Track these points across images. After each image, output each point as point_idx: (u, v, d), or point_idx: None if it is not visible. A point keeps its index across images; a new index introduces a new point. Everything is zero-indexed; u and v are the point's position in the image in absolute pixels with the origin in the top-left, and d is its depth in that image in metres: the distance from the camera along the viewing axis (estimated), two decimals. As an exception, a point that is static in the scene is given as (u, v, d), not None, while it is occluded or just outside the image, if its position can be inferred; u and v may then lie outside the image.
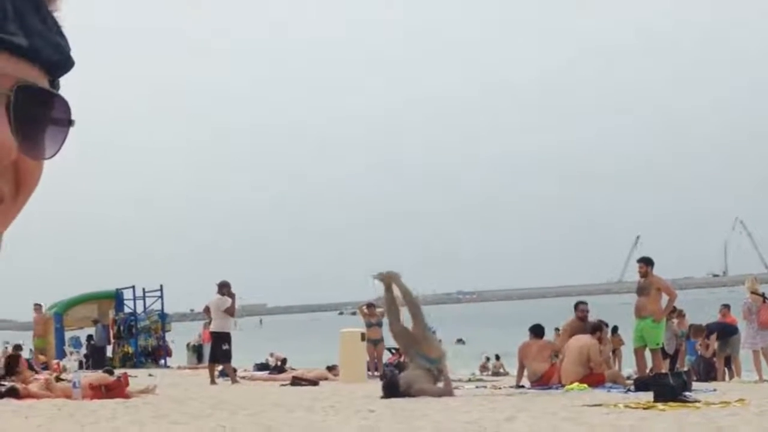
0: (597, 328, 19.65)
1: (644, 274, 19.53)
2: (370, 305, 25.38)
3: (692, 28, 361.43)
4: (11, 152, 0.94)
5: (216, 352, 22.35)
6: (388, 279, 17.60)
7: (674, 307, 22.85)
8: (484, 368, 33.14)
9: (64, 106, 1.00)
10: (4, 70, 0.94)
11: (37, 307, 31.36)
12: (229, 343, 22.14)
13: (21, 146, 0.95)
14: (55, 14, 1.00)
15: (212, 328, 22.72)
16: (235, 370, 23.38)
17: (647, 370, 19.54)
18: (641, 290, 19.63)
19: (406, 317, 17.59)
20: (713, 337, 24.13)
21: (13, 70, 0.95)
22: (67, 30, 1.02)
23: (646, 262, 19.73)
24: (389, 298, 17.71)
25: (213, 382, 21.93)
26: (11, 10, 0.94)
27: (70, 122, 1.01)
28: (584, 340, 18.84)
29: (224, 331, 22.12)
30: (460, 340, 55.63)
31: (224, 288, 22.24)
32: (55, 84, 1.02)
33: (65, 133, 1.01)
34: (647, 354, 19.97)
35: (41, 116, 0.98)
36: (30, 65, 0.96)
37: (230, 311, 22.15)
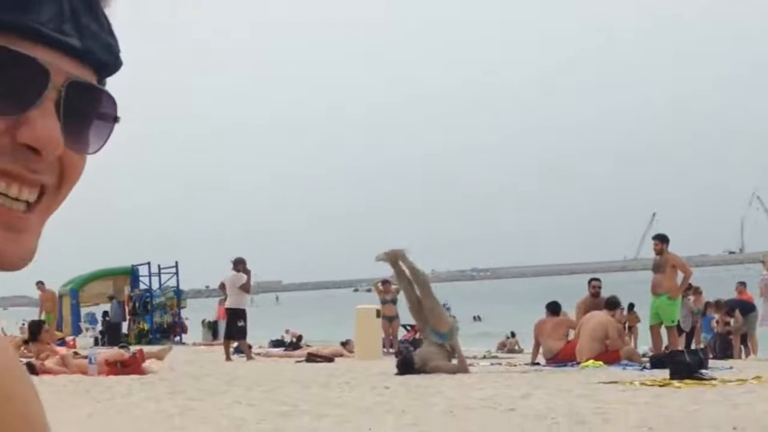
0: (614, 305, 19.60)
1: (659, 252, 19.46)
2: (386, 282, 25.35)
3: (696, 9, 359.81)
4: (59, 147, 0.95)
5: (231, 328, 22.36)
6: (394, 257, 17.57)
7: (690, 285, 22.77)
8: (502, 346, 33.11)
9: (111, 102, 1.01)
10: (59, 66, 0.95)
11: (41, 284, 31.46)
12: (245, 320, 22.14)
13: (67, 140, 0.96)
14: (107, 11, 1.01)
15: (227, 304, 22.73)
16: (250, 347, 23.40)
17: (663, 348, 19.50)
18: (657, 267, 19.57)
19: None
20: (737, 313, 23.99)
21: (66, 67, 0.96)
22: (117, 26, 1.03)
23: (662, 240, 19.65)
24: (398, 274, 17.73)
25: (228, 358, 21.96)
26: (68, 10, 0.95)
27: (115, 119, 1.02)
28: (600, 316, 18.79)
29: (239, 308, 22.12)
30: (477, 317, 55.64)
31: (239, 264, 22.23)
32: (102, 81, 1.03)
33: (110, 129, 1.02)
34: (663, 331, 19.92)
35: (89, 112, 0.99)
36: (81, 64, 0.98)
37: (245, 288, 22.15)
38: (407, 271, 17.55)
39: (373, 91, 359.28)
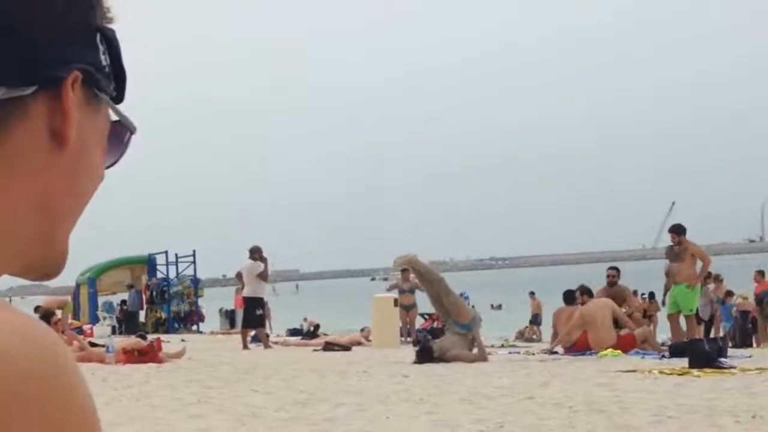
0: (584, 292, 19.62)
1: (678, 243, 19.40)
2: (404, 270, 25.34)
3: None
4: None
5: (249, 317, 22.36)
6: (409, 262, 18.09)
7: (710, 273, 22.67)
8: (521, 334, 33.09)
9: (127, 119, 1.02)
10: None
11: None
12: (263, 308, 22.14)
13: None
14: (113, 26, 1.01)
15: (245, 293, 22.74)
16: (267, 336, 23.40)
17: (682, 336, 19.43)
18: (676, 256, 19.51)
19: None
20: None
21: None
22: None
23: (677, 232, 19.57)
24: (417, 275, 18.55)
25: (245, 347, 21.97)
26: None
27: (131, 132, 1.03)
28: (601, 302, 18.83)
29: (257, 296, 22.13)
30: (498, 306, 55.60)
31: (255, 253, 22.23)
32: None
33: (127, 143, 1.04)
34: (682, 320, 19.85)
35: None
36: None
37: (263, 276, 22.14)
38: (423, 271, 18.17)
39: (387, 80, 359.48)
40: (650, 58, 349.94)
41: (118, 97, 1.00)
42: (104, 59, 0.97)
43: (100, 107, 0.98)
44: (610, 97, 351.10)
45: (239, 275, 23.17)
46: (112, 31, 0.98)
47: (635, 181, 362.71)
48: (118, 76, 0.99)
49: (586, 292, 19.79)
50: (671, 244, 19.63)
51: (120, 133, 1.03)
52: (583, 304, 19.43)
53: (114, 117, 1.01)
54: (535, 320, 35.28)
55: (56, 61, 0.92)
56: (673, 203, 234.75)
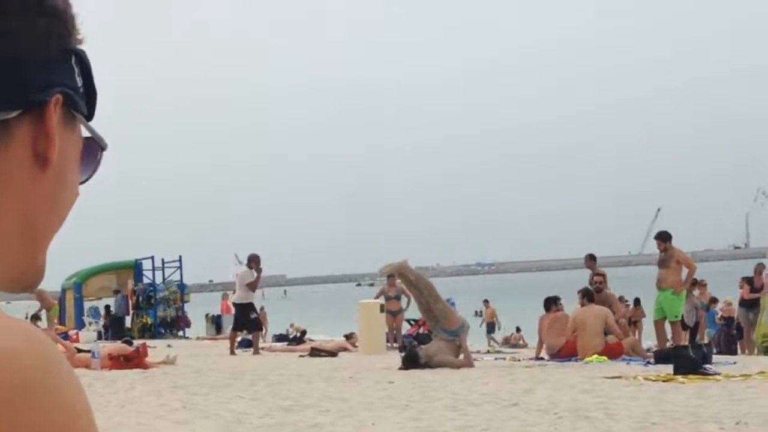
0: (591, 297, 19.51)
1: (664, 250, 19.47)
2: (390, 276, 25.34)
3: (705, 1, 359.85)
4: None
5: (242, 321, 22.37)
6: (398, 269, 18.17)
7: (695, 279, 22.74)
8: (506, 340, 33.17)
9: (100, 136, 1.07)
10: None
11: None
12: (257, 312, 22.19)
13: None
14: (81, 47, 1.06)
15: (234, 299, 22.76)
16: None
17: (667, 343, 19.48)
18: (661, 262, 19.57)
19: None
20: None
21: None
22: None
23: (663, 239, 19.65)
24: (406, 283, 18.44)
25: (232, 352, 21.96)
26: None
27: (102, 148, 1.08)
28: (596, 309, 18.80)
29: (245, 302, 22.14)
30: (481, 313, 55.56)
31: (252, 262, 22.26)
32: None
33: (99, 159, 1.08)
34: (667, 326, 19.90)
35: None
36: None
37: (252, 286, 22.11)
38: (413, 279, 18.08)
39: (374, 87, 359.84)
40: (637, 68, 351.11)
41: (90, 115, 1.05)
42: (78, 80, 1.02)
43: (75, 126, 1.02)
44: (596, 105, 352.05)
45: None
46: (84, 52, 1.02)
47: (621, 188, 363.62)
48: (89, 95, 1.04)
49: (587, 295, 19.71)
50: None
51: (92, 150, 1.07)
52: (582, 305, 19.42)
53: (86, 133, 1.05)
54: (492, 329, 35.58)
55: (39, 85, 0.97)
56: (659, 209, 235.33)
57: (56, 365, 0.86)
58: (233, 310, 38.00)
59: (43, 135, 0.97)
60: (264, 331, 24.08)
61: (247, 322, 22.28)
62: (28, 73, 0.96)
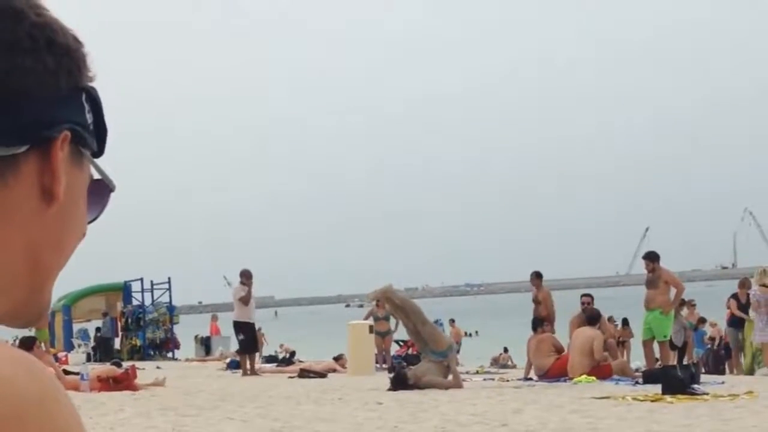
0: (594, 319, 19.52)
1: (651, 270, 19.54)
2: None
3: (692, 25, 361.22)
4: None
5: (245, 340, 22.34)
6: (383, 294, 18.22)
7: (683, 299, 22.80)
8: (495, 361, 33.15)
9: (108, 177, 1.09)
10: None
11: None
12: (245, 333, 22.11)
13: None
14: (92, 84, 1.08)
15: (233, 317, 22.74)
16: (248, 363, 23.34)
17: (656, 363, 19.52)
18: (649, 283, 19.63)
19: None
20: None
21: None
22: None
23: (651, 259, 19.73)
24: (393, 308, 18.52)
25: (250, 372, 21.99)
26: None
27: (111, 189, 1.10)
28: (588, 332, 18.81)
29: (239, 320, 22.15)
30: (469, 334, 55.67)
31: (242, 276, 22.31)
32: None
33: (107, 200, 1.11)
34: (655, 346, 19.95)
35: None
36: None
37: (243, 300, 22.12)
38: (399, 303, 18.10)
39: (371, 101, 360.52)
40: (623, 89, 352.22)
41: (99, 152, 1.07)
42: (89, 117, 1.04)
43: (83, 163, 1.05)
44: (584, 126, 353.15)
45: None
46: (95, 89, 1.05)
47: (609, 208, 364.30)
48: (99, 132, 1.06)
49: (588, 318, 19.72)
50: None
51: (100, 190, 1.10)
52: (580, 325, 19.46)
53: (96, 174, 1.08)
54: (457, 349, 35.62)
55: (48, 121, 0.99)
56: (647, 229, 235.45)
57: (54, 397, 0.88)
58: (222, 332, 38.20)
59: (50, 171, 1.00)
60: (260, 352, 23.96)
61: (242, 342, 22.25)
62: (37, 109, 0.98)
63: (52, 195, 1.00)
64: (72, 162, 1.02)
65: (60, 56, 1.01)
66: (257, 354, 25.09)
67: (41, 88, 0.99)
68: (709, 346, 25.48)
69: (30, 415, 0.85)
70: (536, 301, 21.86)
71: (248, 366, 22.34)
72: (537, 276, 22.19)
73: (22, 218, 0.99)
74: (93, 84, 1.05)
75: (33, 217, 1.00)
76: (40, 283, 1.03)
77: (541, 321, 20.53)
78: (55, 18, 1.03)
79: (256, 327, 23.98)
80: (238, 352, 22.77)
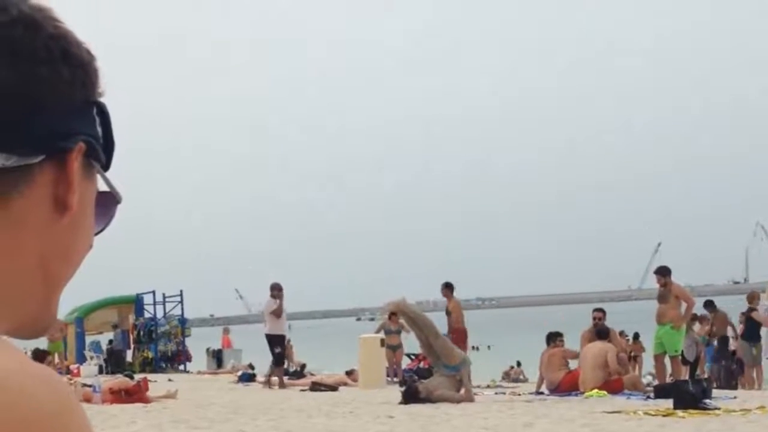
0: (604, 333, 19.54)
1: (663, 285, 19.54)
2: (393, 314, 25.38)
3: (705, 30, 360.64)
4: None
5: (272, 354, 22.37)
6: (397, 307, 18.25)
7: (695, 314, 22.78)
8: (507, 375, 33.10)
9: (116, 189, 1.10)
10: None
11: None
12: (281, 346, 22.19)
13: None
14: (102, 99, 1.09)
15: (264, 330, 22.75)
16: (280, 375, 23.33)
17: (667, 377, 19.50)
18: (661, 297, 19.64)
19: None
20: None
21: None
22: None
23: (663, 273, 19.75)
24: (407, 321, 18.64)
25: (281, 385, 22.05)
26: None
27: (117, 201, 1.12)
28: (600, 345, 18.81)
29: (273, 334, 22.18)
30: (474, 347, 55.56)
31: (273, 290, 22.35)
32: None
33: (113, 212, 1.12)
34: (667, 361, 19.93)
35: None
36: None
37: (276, 313, 22.16)
38: (412, 317, 18.18)
39: (374, 111, 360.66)
40: (633, 102, 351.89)
41: (106, 166, 1.08)
42: (99, 130, 1.06)
43: (92, 175, 1.06)
44: (594, 138, 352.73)
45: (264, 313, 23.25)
46: (104, 104, 1.07)
47: (621, 222, 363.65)
48: (107, 146, 1.07)
49: (598, 333, 19.75)
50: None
51: (107, 202, 1.11)
52: (591, 340, 19.48)
53: (103, 186, 1.09)
54: None
55: (63, 132, 1.01)
56: (659, 244, 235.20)
57: (71, 410, 0.90)
58: (233, 345, 38.21)
59: (64, 181, 1.01)
60: (283, 366, 23.87)
61: (273, 357, 22.30)
62: (53, 120, 1.00)
63: (66, 206, 1.01)
64: (83, 174, 1.03)
65: (75, 68, 1.03)
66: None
67: (57, 98, 1.00)
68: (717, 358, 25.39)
69: (47, 427, 0.87)
70: (447, 312, 22.10)
71: (279, 379, 22.40)
72: (447, 287, 22.33)
73: (36, 228, 1.00)
74: (102, 99, 1.07)
75: (46, 228, 1.01)
76: (49, 293, 1.04)
77: (554, 335, 20.54)
78: (70, 30, 1.05)
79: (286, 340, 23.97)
80: (274, 365, 22.76)
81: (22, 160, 0.98)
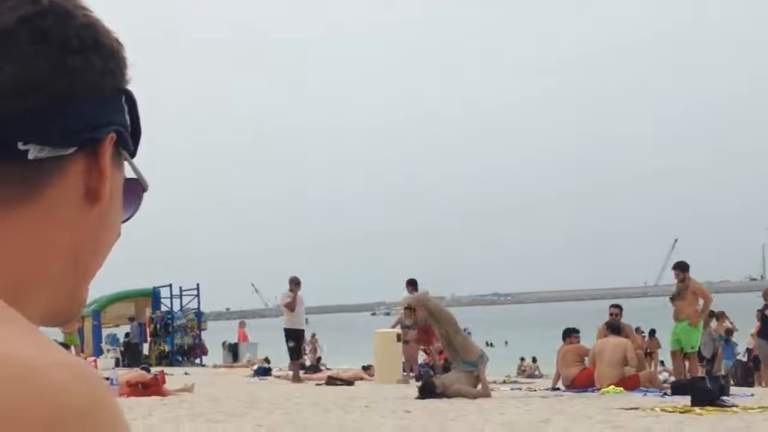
0: (617, 329, 19.54)
1: (681, 280, 19.48)
2: (409, 308, 25.37)
3: (709, 27, 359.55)
4: None
5: (294, 347, 22.47)
6: (418, 302, 18.24)
7: (712, 310, 22.71)
8: (523, 371, 33.11)
9: (143, 177, 1.11)
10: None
11: None
12: (295, 340, 22.21)
13: None
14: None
15: (282, 324, 22.79)
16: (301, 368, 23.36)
17: (684, 374, 19.45)
18: (678, 294, 19.58)
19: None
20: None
21: None
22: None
23: (682, 269, 19.67)
24: (428, 314, 18.38)
25: (294, 379, 22.12)
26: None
27: (144, 189, 1.12)
28: (617, 341, 18.79)
29: (287, 328, 22.20)
30: (488, 344, 55.65)
31: (290, 284, 22.37)
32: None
33: (140, 200, 1.12)
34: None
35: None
36: None
37: (289, 306, 22.17)
38: (433, 311, 18.10)
39: (378, 109, 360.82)
40: (647, 97, 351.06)
41: (133, 153, 1.08)
42: (127, 119, 1.06)
43: (121, 164, 1.06)
44: (611, 134, 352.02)
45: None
46: (132, 92, 1.07)
47: (638, 219, 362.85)
48: (135, 134, 1.07)
49: (610, 327, 19.77)
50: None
51: (134, 190, 1.11)
52: (605, 337, 19.47)
53: (130, 174, 1.09)
54: None
55: (94, 122, 1.01)
56: (676, 240, 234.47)
57: (104, 402, 0.86)
58: (249, 339, 38.31)
59: (96, 171, 1.01)
60: (299, 360, 23.84)
61: (291, 349, 22.32)
62: (85, 111, 1.00)
63: (98, 196, 1.01)
64: (113, 163, 1.03)
65: (106, 57, 1.02)
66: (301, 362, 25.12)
67: (88, 88, 1.00)
68: (739, 357, 25.35)
69: (79, 421, 0.83)
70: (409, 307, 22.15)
71: (294, 373, 22.44)
72: (410, 284, 22.31)
73: (68, 218, 1.00)
74: (129, 87, 1.07)
75: (77, 218, 1.01)
76: (79, 283, 1.04)
77: (571, 331, 20.52)
78: (99, 19, 1.04)
79: (310, 334, 23.98)
80: (289, 359, 22.80)
81: (55, 151, 0.98)
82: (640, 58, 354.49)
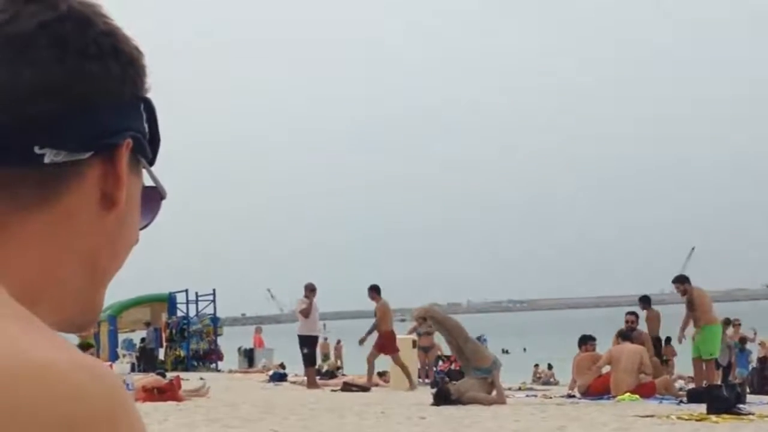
0: (628, 337, 19.55)
1: (683, 292, 19.59)
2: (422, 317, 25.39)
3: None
4: None
5: (308, 354, 22.44)
6: (425, 314, 18.25)
7: (728, 318, 22.67)
8: (538, 378, 33.05)
9: (161, 184, 1.12)
10: None
11: None
12: (308, 347, 22.15)
13: None
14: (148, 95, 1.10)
15: (297, 330, 22.77)
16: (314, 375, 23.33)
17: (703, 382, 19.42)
18: (689, 304, 19.68)
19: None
20: None
21: None
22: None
23: (681, 281, 19.90)
24: (436, 325, 18.48)
25: (309, 385, 22.09)
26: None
27: (162, 197, 1.13)
28: (633, 348, 18.78)
29: (301, 334, 22.12)
30: (503, 351, 55.61)
31: (306, 290, 22.34)
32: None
33: (158, 207, 1.13)
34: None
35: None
36: None
37: (304, 312, 22.14)
38: (441, 321, 18.16)
39: (388, 108, 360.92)
40: (665, 100, 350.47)
41: (152, 161, 1.09)
42: (146, 126, 1.07)
43: (139, 171, 1.07)
44: (626, 141, 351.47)
45: None
46: (151, 100, 1.08)
47: (654, 226, 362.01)
48: (153, 142, 1.09)
49: (621, 335, 19.80)
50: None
51: (153, 198, 1.12)
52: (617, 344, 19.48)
53: (149, 182, 1.10)
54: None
55: (112, 129, 1.02)
56: (693, 248, 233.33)
57: (121, 405, 0.86)
58: (265, 344, 38.32)
59: (113, 177, 1.02)
60: (313, 367, 23.76)
61: (305, 356, 22.29)
62: (103, 117, 1.01)
63: (114, 201, 1.02)
64: (130, 169, 1.04)
65: (125, 64, 1.03)
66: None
67: (106, 95, 1.01)
68: (755, 366, 25.26)
69: (98, 422, 0.83)
70: (375, 314, 22.12)
71: (308, 378, 22.41)
72: (373, 289, 22.25)
73: (84, 223, 1.01)
74: (148, 95, 1.08)
75: (94, 223, 1.02)
76: (96, 288, 1.04)
77: (587, 338, 20.52)
78: (119, 26, 1.05)
79: (336, 340, 23.89)
80: (305, 366, 22.78)
81: (71, 156, 0.99)
82: (670, 55, 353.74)
